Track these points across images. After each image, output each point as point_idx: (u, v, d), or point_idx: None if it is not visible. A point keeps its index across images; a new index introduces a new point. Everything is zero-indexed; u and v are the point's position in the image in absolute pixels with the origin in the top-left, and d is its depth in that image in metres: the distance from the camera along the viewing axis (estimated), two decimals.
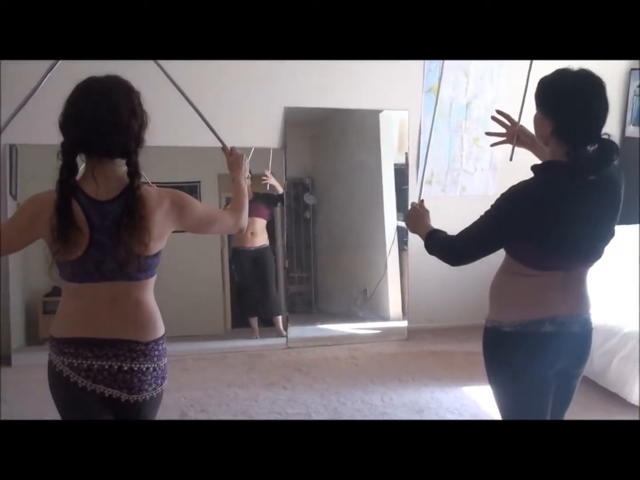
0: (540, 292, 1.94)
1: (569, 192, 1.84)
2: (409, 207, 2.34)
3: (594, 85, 1.83)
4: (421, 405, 3.74)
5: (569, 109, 1.83)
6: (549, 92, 1.88)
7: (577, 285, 1.98)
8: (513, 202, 1.87)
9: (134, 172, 1.75)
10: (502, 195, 1.89)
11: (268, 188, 4.92)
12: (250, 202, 4.92)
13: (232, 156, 2.25)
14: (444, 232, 2.10)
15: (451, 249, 2.04)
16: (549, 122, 1.87)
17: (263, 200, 4.99)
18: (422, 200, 2.35)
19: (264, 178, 4.88)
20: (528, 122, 2.06)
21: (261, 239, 5.03)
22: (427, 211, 2.30)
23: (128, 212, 1.70)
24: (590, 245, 1.93)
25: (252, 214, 4.78)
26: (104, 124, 1.70)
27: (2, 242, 1.75)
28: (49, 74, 2.05)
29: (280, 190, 4.95)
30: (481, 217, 1.94)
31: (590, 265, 1.98)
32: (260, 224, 5.00)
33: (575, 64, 1.88)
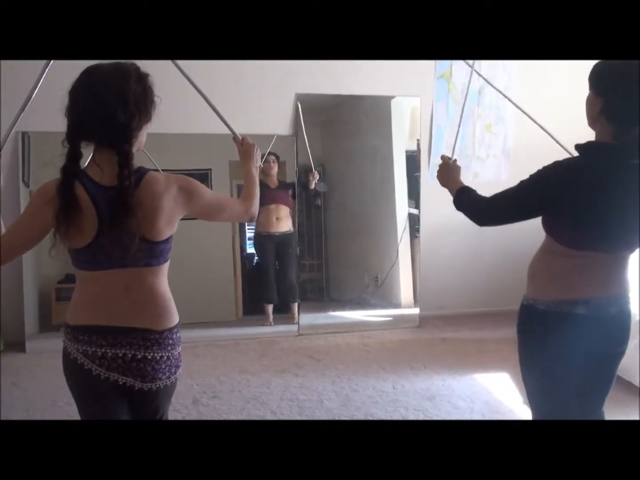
0: (576, 272, 1.94)
1: (610, 173, 1.85)
2: (441, 161, 2.38)
3: None
4: (432, 392, 3.74)
5: (619, 87, 1.84)
6: (603, 72, 1.89)
7: (615, 269, 1.97)
8: (551, 175, 1.89)
9: (124, 162, 1.71)
10: (544, 166, 1.91)
11: (313, 186, 5.05)
12: (275, 189, 4.99)
13: (244, 146, 2.23)
14: (476, 191, 2.15)
15: (483, 208, 2.08)
16: (599, 101, 1.88)
17: (288, 189, 5.03)
18: (455, 160, 2.39)
19: (314, 175, 5.03)
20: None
21: (285, 225, 5.05)
22: (459, 167, 2.34)
23: (120, 202, 1.68)
24: (630, 230, 1.92)
25: (277, 200, 4.88)
26: (96, 113, 1.69)
27: (18, 237, 1.74)
28: (44, 74, 2.05)
29: (312, 186, 5.05)
30: (518, 183, 1.96)
31: (631, 251, 1.98)
32: (285, 210, 5.03)
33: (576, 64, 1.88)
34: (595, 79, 1.91)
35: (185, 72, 2.28)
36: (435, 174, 2.39)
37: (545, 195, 1.90)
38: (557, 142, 2.44)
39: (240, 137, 2.25)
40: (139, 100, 1.74)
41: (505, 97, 2.74)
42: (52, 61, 2.02)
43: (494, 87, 2.83)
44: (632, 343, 3.57)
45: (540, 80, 4.89)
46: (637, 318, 3.63)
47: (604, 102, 1.87)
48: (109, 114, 1.70)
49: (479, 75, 2.82)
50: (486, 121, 5.10)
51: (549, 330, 1.97)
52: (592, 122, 1.95)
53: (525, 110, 2.56)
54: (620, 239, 1.92)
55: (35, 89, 2.03)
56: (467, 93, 2.83)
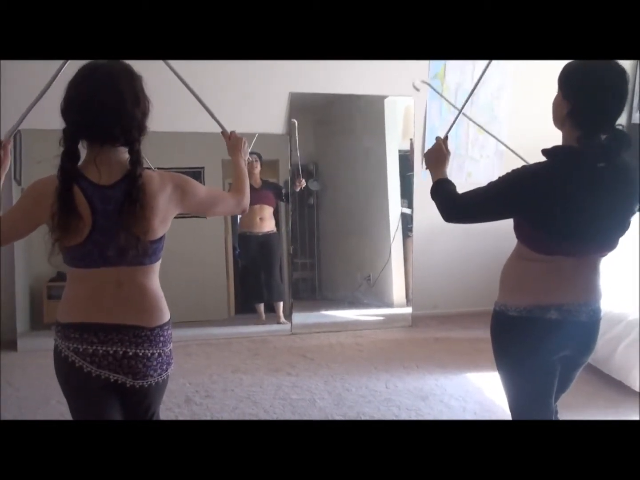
0: (547, 277, 1.94)
1: (577, 178, 1.84)
2: (435, 141, 2.31)
3: (617, 75, 1.83)
4: (425, 391, 3.74)
5: (586, 93, 1.84)
6: (571, 75, 1.89)
7: (587, 274, 1.96)
8: (518, 178, 1.89)
9: (136, 160, 1.74)
10: (513, 170, 1.92)
11: (298, 189, 5.02)
12: (258, 189, 4.99)
13: (232, 140, 2.26)
14: (453, 186, 2.12)
15: (451, 204, 2.06)
16: (566, 104, 1.88)
17: (271, 189, 5.03)
18: (447, 138, 2.33)
19: (298, 183, 4.98)
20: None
21: (269, 225, 5.05)
22: (449, 152, 2.28)
23: (128, 200, 1.70)
24: (601, 234, 1.91)
25: (261, 201, 4.88)
26: (107, 111, 1.68)
27: (8, 229, 1.75)
28: (58, 75, 2.05)
29: (297, 190, 5.03)
30: (488, 184, 1.97)
31: (602, 255, 1.97)
32: (268, 210, 5.04)
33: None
34: (563, 81, 1.91)
35: (176, 70, 2.28)
36: (425, 153, 2.35)
37: (511, 198, 1.91)
38: (514, 152, 2.49)
39: (229, 132, 2.28)
40: (145, 98, 1.77)
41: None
42: (68, 61, 2.02)
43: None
44: (624, 342, 3.61)
45: (534, 80, 4.89)
46: (630, 318, 3.67)
47: (570, 106, 1.87)
48: (126, 112, 1.70)
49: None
50: (480, 122, 5.10)
51: (521, 336, 1.98)
52: (559, 123, 1.95)
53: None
54: (588, 243, 1.92)
55: (47, 88, 2.03)
56: (473, 87, 2.75)
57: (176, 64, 2.29)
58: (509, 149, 2.76)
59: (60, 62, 2.02)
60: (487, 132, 3.26)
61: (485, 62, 2.64)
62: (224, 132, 2.30)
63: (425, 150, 2.35)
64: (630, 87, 1.87)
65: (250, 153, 4.68)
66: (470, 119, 3.31)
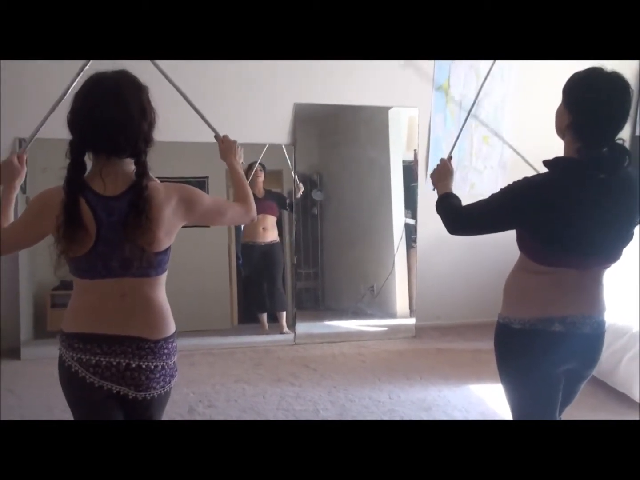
0: (550, 290, 1.94)
1: (578, 189, 1.84)
2: (439, 161, 2.43)
3: (620, 90, 1.84)
4: (428, 403, 3.73)
5: (586, 107, 1.85)
6: (574, 87, 1.90)
7: (591, 286, 1.96)
8: (519, 190, 1.90)
9: (142, 172, 1.73)
10: (514, 181, 1.92)
11: (299, 196, 5.03)
12: (262, 199, 4.99)
13: (225, 143, 2.23)
14: (458, 200, 2.14)
15: (454, 217, 2.08)
16: (567, 115, 1.90)
17: (274, 199, 5.05)
18: (451, 157, 2.44)
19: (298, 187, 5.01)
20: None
21: (272, 235, 5.06)
22: (453, 172, 2.37)
23: (134, 211, 1.69)
24: (604, 246, 1.91)
25: (264, 210, 4.89)
26: (113, 123, 1.68)
27: (13, 238, 1.77)
28: (79, 76, 2.05)
29: (298, 196, 5.04)
30: (490, 196, 1.97)
31: (606, 267, 1.97)
32: (271, 220, 5.05)
33: (579, 64, 1.91)
34: (566, 92, 1.92)
35: (169, 77, 2.29)
36: (431, 172, 2.44)
37: (513, 210, 1.91)
38: (526, 160, 2.49)
39: (222, 136, 2.27)
40: (151, 109, 1.77)
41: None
42: (90, 61, 2.02)
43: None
44: (627, 355, 3.60)
45: (537, 91, 4.90)
46: (634, 330, 3.66)
47: (571, 117, 1.88)
48: (133, 124, 1.70)
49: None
50: (483, 133, 5.11)
51: (525, 348, 1.98)
52: (561, 133, 1.96)
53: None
54: (591, 254, 1.91)
55: (67, 92, 2.04)
56: (477, 96, 2.75)
57: (179, 73, 2.29)
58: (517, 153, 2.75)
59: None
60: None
61: (488, 69, 2.65)
62: (216, 136, 2.28)
63: (430, 163, 2.39)
64: (634, 100, 1.87)
65: (253, 162, 4.72)
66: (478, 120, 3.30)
